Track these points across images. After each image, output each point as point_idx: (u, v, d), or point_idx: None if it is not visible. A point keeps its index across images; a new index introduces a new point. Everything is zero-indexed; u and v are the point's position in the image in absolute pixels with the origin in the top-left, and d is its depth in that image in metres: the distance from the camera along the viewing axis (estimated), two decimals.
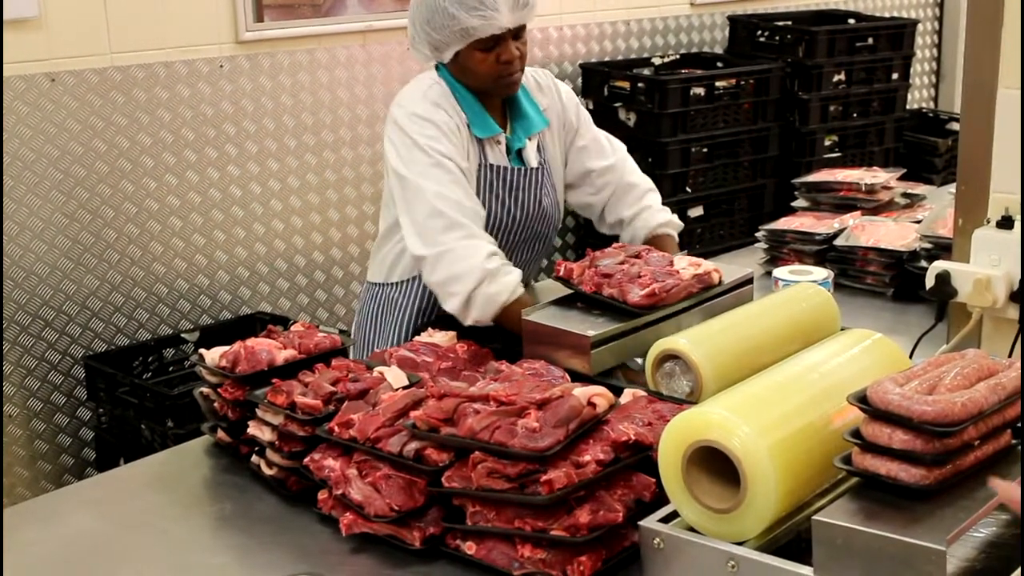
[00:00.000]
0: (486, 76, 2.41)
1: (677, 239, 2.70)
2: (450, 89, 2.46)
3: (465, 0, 2.32)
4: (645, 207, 2.68)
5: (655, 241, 2.63)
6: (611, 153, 2.70)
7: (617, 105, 4.60)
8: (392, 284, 2.61)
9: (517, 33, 2.40)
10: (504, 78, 2.42)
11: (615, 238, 2.66)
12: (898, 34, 5.20)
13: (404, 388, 1.88)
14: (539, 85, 2.61)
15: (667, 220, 2.68)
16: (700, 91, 4.60)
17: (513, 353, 2.16)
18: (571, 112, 2.66)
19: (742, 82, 4.73)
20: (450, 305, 2.29)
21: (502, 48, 2.38)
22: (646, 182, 2.73)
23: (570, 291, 2.24)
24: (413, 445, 1.69)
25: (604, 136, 2.72)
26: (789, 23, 5.18)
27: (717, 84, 4.65)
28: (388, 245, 2.59)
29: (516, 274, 2.31)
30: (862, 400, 1.44)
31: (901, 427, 1.38)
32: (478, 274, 2.26)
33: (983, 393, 1.41)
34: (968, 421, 1.38)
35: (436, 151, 2.35)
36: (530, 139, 2.54)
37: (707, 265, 2.27)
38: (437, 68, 2.51)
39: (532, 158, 2.54)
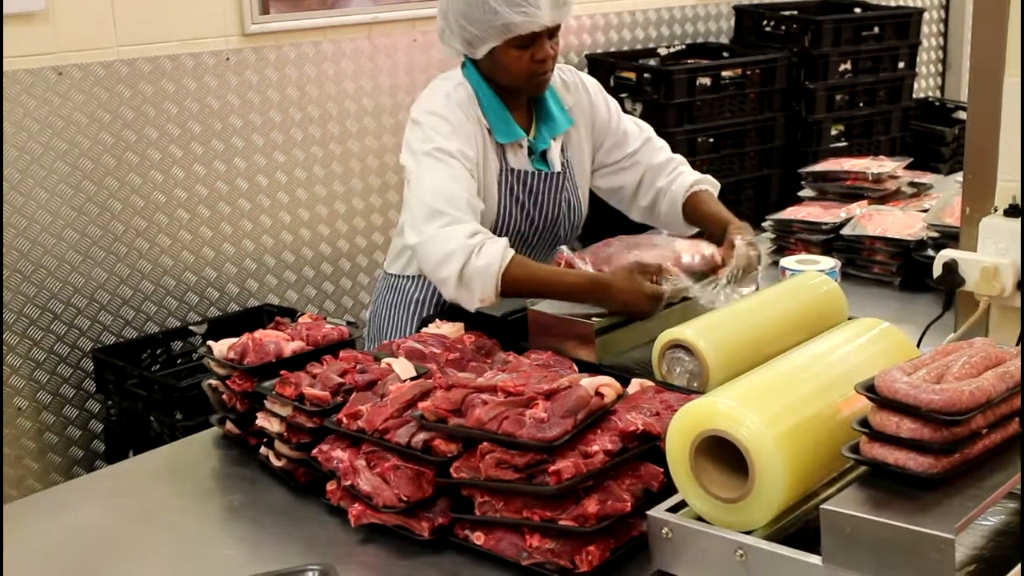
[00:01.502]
0: (519, 74, 2.38)
1: (717, 194, 2.63)
2: (475, 91, 2.43)
3: None
4: (678, 174, 2.64)
5: (694, 199, 2.57)
6: (639, 136, 2.68)
7: (623, 96, 4.59)
8: (408, 277, 2.62)
9: (552, 32, 2.37)
10: (536, 77, 2.40)
11: (619, 229, 2.64)
12: (904, 23, 5.19)
13: (412, 379, 1.88)
14: (565, 84, 2.58)
15: (702, 178, 2.63)
16: (706, 81, 4.59)
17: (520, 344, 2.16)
18: (600, 109, 2.64)
19: (748, 72, 4.72)
20: (448, 291, 2.24)
21: (538, 46, 2.35)
22: (677, 157, 2.70)
23: None
24: (421, 436, 1.69)
25: (632, 121, 2.70)
26: (795, 12, 5.16)
27: (723, 74, 4.64)
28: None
29: (501, 242, 2.24)
30: (870, 389, 1.44)
31: (909, 416, 1.38)
32: (462, 253, 2.20)
33: (991, 381, 1.41)
34: (976, 409, 1.37)
35: (441, 149, 2.32)
36: (555, 140, 2.52)
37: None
38: (464, 66, 2.48)
39: (556, 160, 2.52)
